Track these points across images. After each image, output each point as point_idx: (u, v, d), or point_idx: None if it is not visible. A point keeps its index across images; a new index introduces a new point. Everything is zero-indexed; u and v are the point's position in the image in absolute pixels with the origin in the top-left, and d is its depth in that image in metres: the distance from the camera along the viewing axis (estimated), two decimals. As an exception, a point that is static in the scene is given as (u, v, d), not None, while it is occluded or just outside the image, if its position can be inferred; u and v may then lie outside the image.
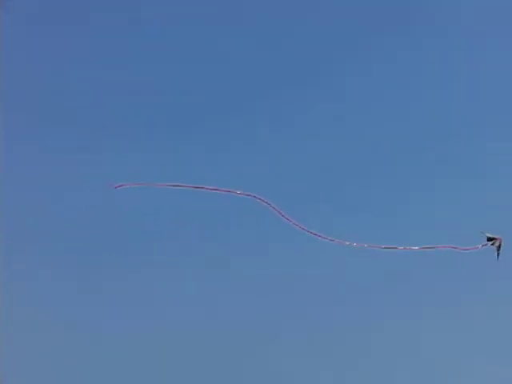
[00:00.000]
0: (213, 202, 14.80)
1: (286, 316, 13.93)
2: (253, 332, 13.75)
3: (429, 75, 16.45)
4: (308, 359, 13.57)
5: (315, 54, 16.16)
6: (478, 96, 16.11)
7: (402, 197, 15.39)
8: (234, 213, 14.75)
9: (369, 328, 13.90)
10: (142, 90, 15.99)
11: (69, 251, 14.33)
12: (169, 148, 15.65)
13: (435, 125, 15.90)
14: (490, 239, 10.26)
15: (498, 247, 10.20)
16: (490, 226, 12.51)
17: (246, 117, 16.06)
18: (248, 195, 10.20)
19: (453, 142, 15.67)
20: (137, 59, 16.10)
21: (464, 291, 14.09)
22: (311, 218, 10.74)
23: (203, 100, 16.00)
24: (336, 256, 12.71)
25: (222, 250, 14.53)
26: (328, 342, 13.70)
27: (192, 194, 14.97)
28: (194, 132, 15.90)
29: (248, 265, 14.46)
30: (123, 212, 14.92)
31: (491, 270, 13.43)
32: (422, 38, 16.61)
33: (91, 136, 15.41)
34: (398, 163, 15.73)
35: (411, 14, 16.53)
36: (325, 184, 15.27)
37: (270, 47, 16.22)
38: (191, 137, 15.86)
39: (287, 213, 10.25)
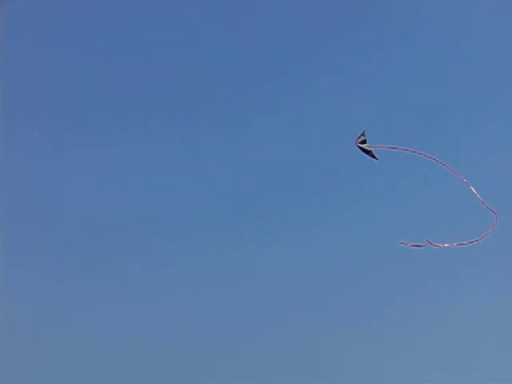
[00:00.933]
0: (212, 202, 14.94)
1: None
2: (251, 330, 13.83)
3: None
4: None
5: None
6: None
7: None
8: (234, 213, 14.85)
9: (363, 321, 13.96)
10: (142, 89, 16.05)
11: (69, 251, 14.36)
12: (169, 143, 15.82)
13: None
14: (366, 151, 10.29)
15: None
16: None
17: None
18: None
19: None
20: (137, 59, 16.16)
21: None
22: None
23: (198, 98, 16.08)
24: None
25: (221, 250, 14.59)
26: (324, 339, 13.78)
27: (191, 194, 15.19)
28: (192, 130, 16.00)
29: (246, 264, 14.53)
30: (123, 212, 14.97)
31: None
32: (420, 38, 16.62)
33: (91, 135, 15.46)
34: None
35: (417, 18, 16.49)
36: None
37: (268, 49, 16.28)
38: (190, 134, 15.96)
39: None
